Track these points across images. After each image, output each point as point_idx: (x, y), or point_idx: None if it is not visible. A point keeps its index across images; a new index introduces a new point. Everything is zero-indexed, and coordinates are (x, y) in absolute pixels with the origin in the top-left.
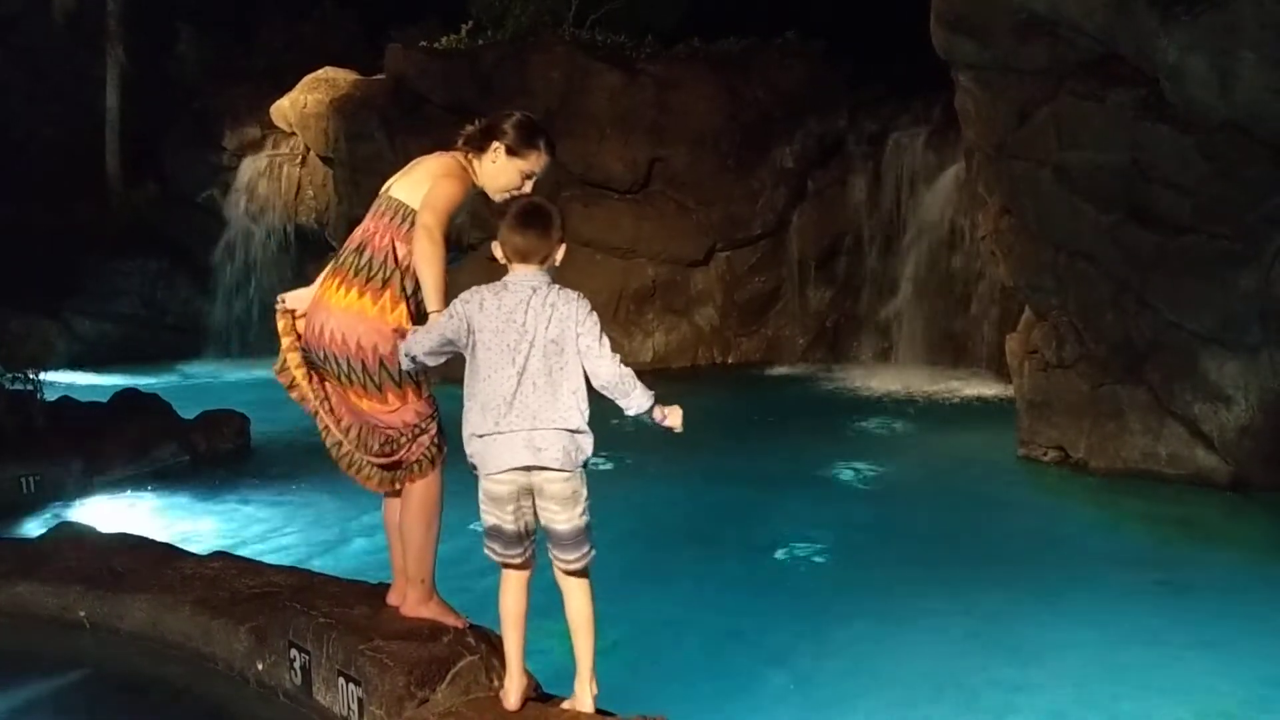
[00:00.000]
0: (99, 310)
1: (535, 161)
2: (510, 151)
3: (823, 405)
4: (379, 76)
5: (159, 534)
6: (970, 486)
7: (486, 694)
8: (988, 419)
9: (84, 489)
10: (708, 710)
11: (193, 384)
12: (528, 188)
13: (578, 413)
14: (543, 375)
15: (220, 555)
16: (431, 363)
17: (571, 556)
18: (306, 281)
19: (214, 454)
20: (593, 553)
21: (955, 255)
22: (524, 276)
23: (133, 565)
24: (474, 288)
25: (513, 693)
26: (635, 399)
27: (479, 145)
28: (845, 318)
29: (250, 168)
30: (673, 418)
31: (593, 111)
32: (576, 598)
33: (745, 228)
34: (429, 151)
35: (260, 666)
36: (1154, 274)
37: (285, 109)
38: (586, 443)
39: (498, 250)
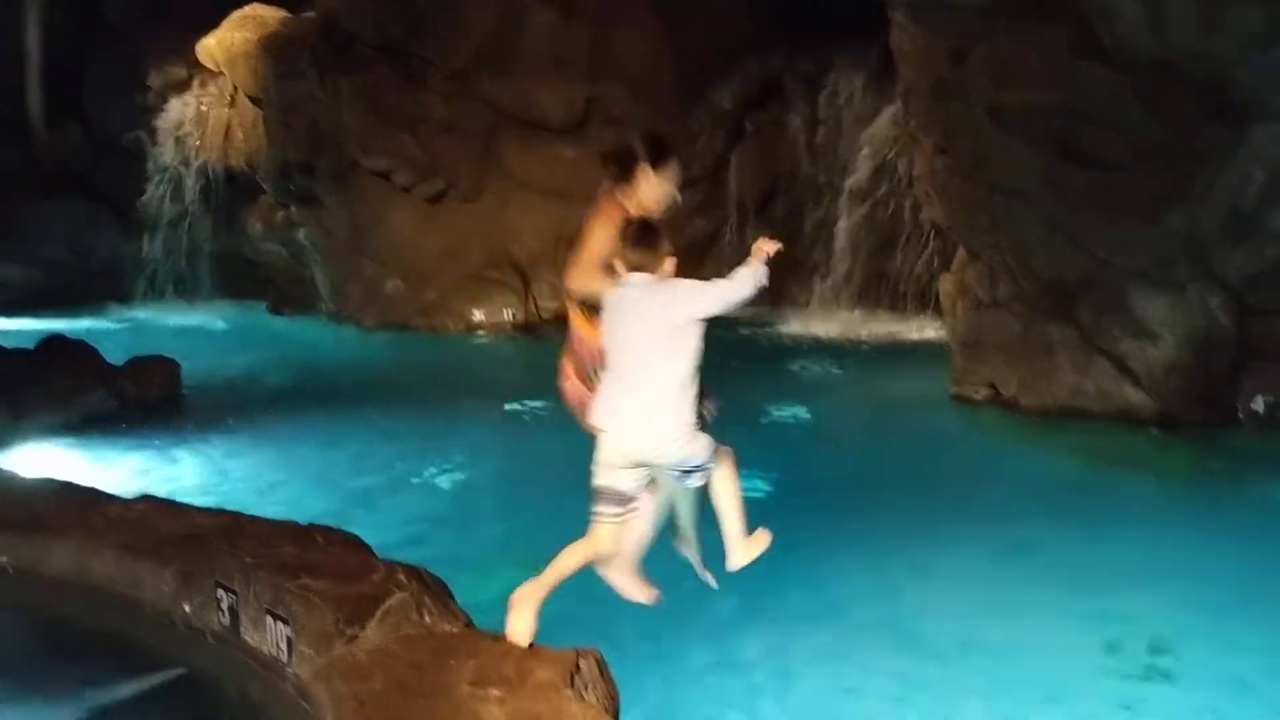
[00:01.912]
0: (24, 256)
1: (675, 168)
2: (655, 167)
3: (761, 349)
4: (309, 14)
5: (85, 481)
6: (905, 426)
7: (418, 631)
8: (922, 360)
9: (8, 437)
10: (643, 642)
11: (121, 330)
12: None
13: None
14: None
15: (146, 499)
16: None
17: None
18: (235, 226)
19: (143, 401)
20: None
21: (892, 197)
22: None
23: (57, 509)
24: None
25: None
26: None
27: (625, 177)
28: (784, 260)
29: (177, 109)
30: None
31: (528, 50)
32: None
33: (684, 169)
34: (361, 92)
35: (187, 608)
36: (1085, 212)
37: (212, 48)
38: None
39: (618, 264)
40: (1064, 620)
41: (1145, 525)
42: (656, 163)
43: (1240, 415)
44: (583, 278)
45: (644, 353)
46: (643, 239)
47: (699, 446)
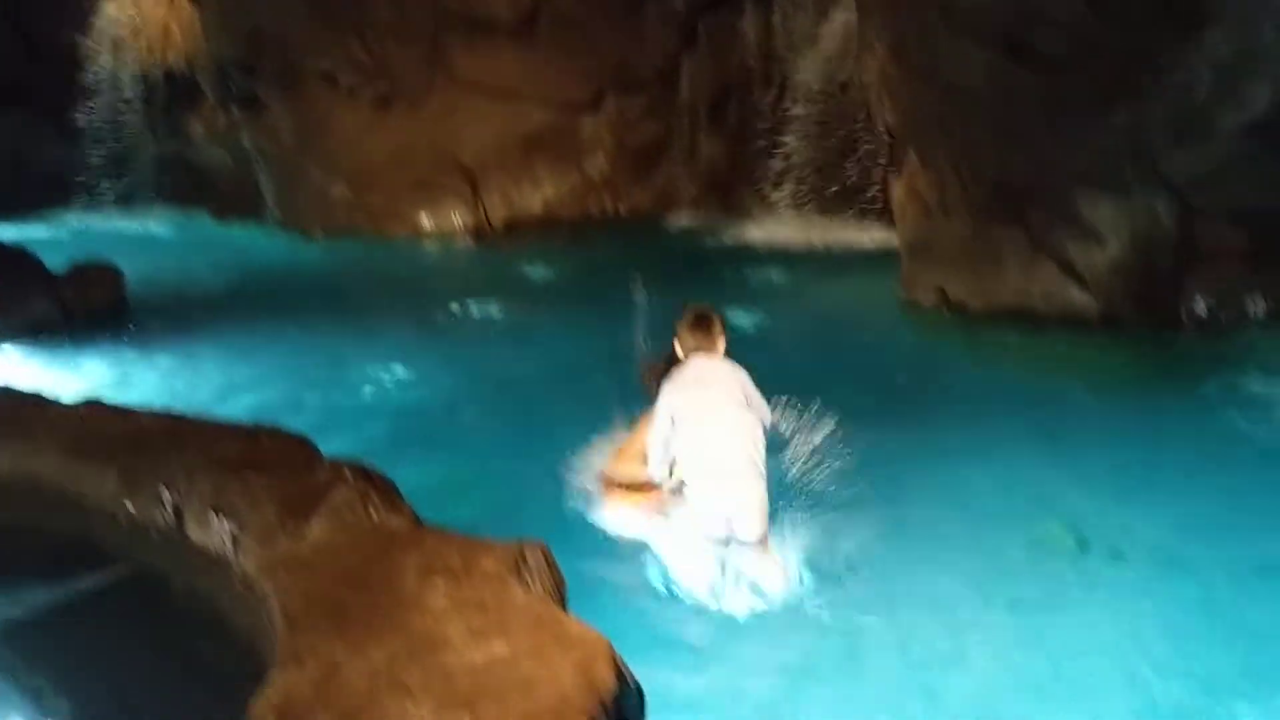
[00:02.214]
0: None
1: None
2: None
3: (713, 255)
4: None
5: (28, 387)
6: (853, 331)
7: (364, 526)
8: (873, 266)
9: None
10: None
11: (61, 238)
12: None
13: None
14: None
15: (89, 402)
16: None
17: None
18: (176, 131)
19: (86, 308)
20: None
21: (844, 101)
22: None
23: None
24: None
25: None
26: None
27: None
28: (737, 166)
29: (113, 10)
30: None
31: None
32: None
33: (635, 71)
34: None
35: (131, 507)
36: (1033, 114)
37: None
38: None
39: (679, 348)
40: (1006, 513)
41: (1087, 424)
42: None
43: (1182, 317)
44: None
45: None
46: (702, 324)
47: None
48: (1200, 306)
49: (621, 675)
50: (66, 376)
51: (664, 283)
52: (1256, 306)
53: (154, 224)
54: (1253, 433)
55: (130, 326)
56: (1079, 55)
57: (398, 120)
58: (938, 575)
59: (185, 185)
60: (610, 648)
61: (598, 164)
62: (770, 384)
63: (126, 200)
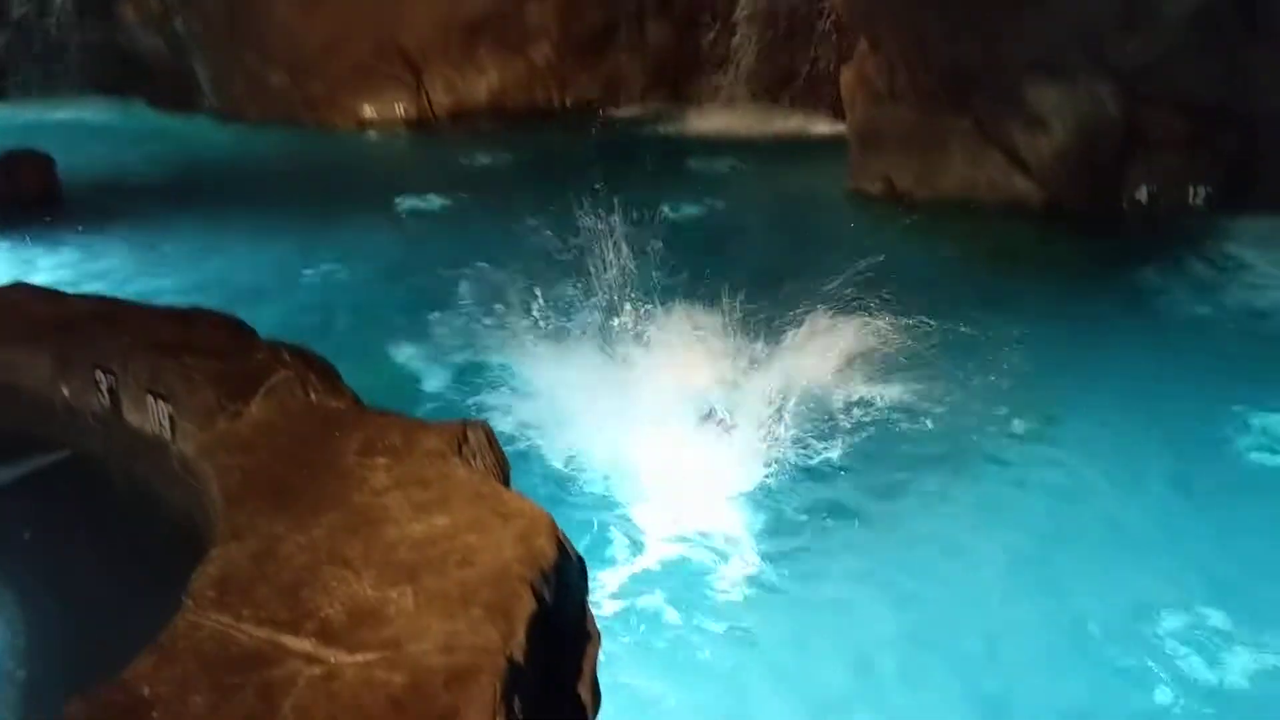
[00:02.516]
0: None
1: None
2: None
3: (661, 145)
4: None
5: None
6: (801, 221)
7: (303, 406)
8: (822, 156)
9: None
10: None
11: None
12: None
13: None
14: None
15: (19, 286)
16: None
17: None
18: (107, 16)
19: (17, 197)
20: None
21: None
22: None
23: None
24: None
25: None
26: None
27: None
28: (685, 54)
29: None
30: None
31: None
32: None
33: None
34: None
35: (66, 391)
36: (982, 1)
37: None
38: None
39: None
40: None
41: (1030, 309)
42: None
43: (1124, 204)
44: None
45: None
46: None
47: None
48: (1142, 194)
49: (563, 547)
50: None
51: (610, 173)
52: (1197, 194)
53: (87, 113)
54: (1188, 312)
55: (63, 215)
56: None
57: (337, 4)
58: (881, 443)
59: (118, 73)
60: (551, 520)
61: (543, 52)
62: (717, 274)
63: (58, 89)
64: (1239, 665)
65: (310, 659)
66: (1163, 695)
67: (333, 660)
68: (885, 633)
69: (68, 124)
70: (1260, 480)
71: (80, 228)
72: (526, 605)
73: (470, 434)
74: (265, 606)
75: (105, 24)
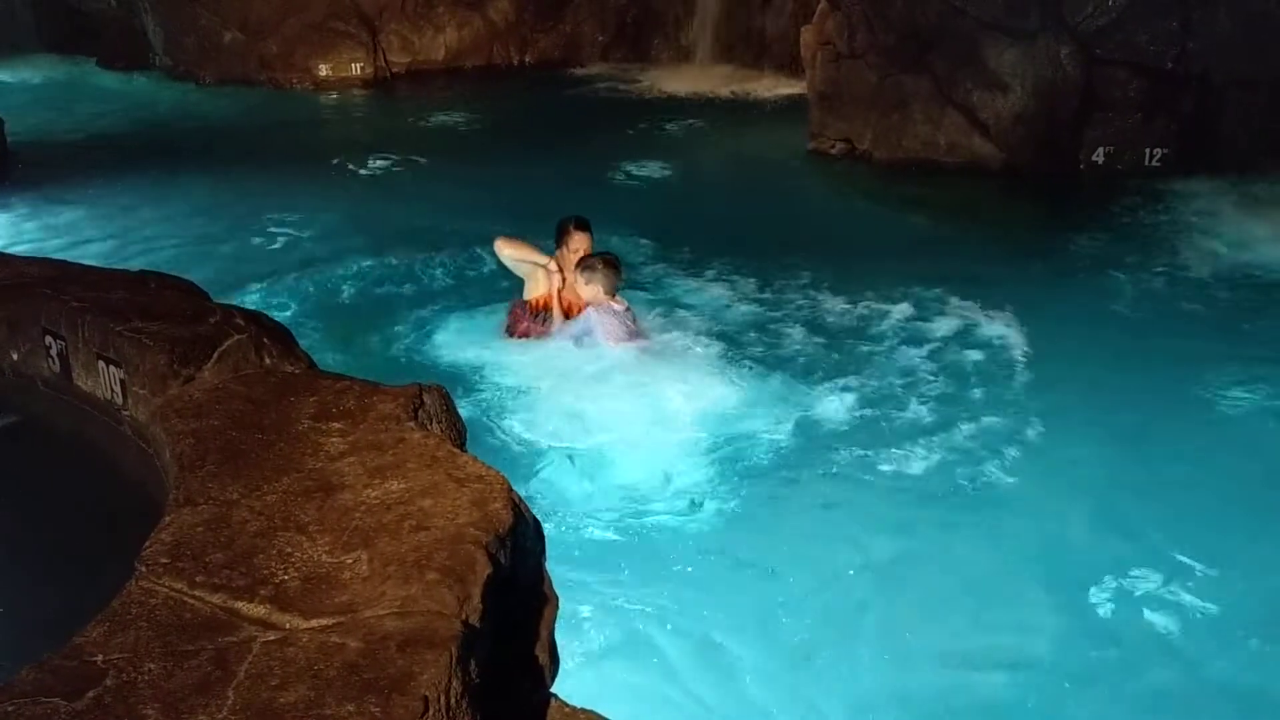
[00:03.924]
0: None
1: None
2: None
3: (621, 106)
4: None
5: None
6: (761, 182)
7: (257, 370)
8: (782, 117)
9: None
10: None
11: None
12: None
13: None
14: None
15: None
16: None
17: None
18: None
19: None
20: None
21: None
22: None
23: None
24: None
25: None
26: None
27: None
28: (646, 13)
29: None
30: None
31: None
32: None
33: None
34: None
35: (15, 356)
36: None
37: None
38: None
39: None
40: (906, 346)
41: (988, 271)
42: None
43: (1081, 165)
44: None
45: None
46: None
47: None
48: (1099, 155)
49: (519, 511)
50: None
51: (569, 133)
52: (1153, 156)
53: (36, 73)
54: (1140, 270)
55: (12, 177)
56: None
57: None
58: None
59: (68, 32)
60: (507, 485)
61: (502, 9)
62: (678, 236)
63: (6, 48)
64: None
65: (265, 625)
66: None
67: (288, 626)
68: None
69: (15, 85)
70: (1215, 430)
71: (27, 188)
72: (482, 569)
73: (426, 397)
74: (219, 573)
75: None
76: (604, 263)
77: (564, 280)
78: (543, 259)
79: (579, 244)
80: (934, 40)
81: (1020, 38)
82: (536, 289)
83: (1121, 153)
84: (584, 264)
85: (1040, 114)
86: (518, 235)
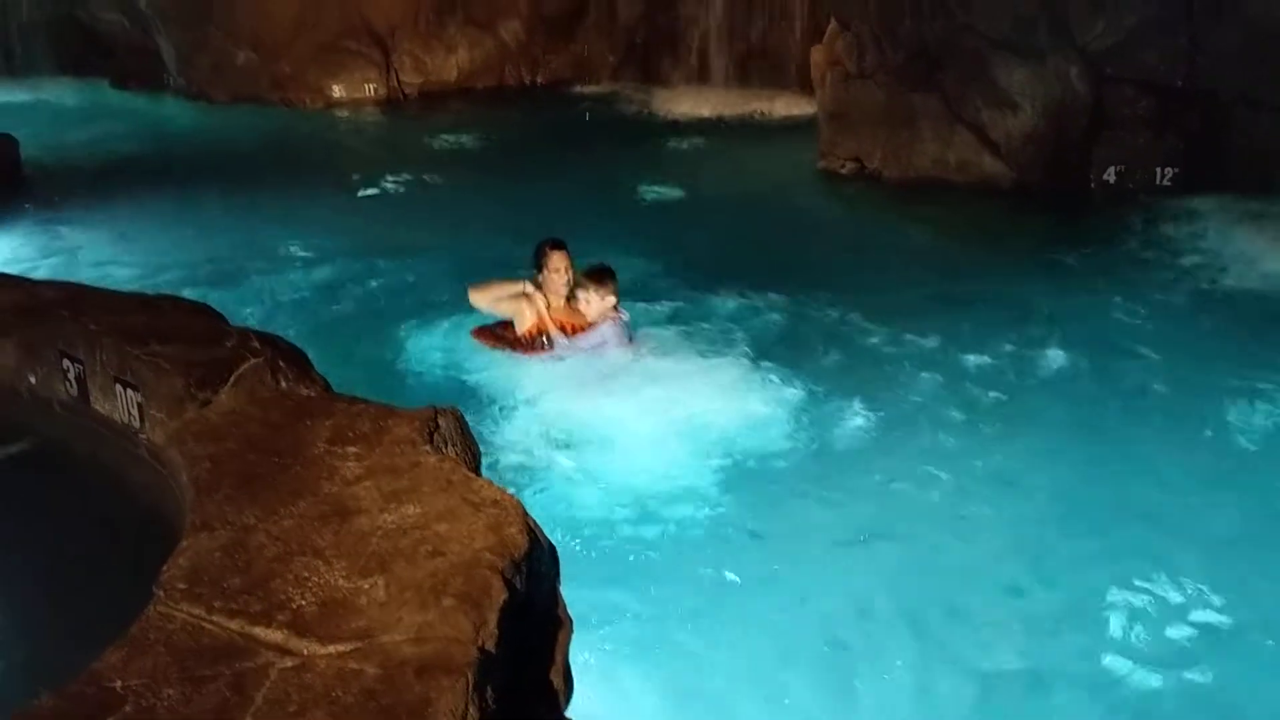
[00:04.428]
0: None
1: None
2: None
3: (632, 126)
4: None
5: None
6: (772, 201)
7: (273, 394)
8: (792, 136)
9: None
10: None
11: None
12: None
13: None
14: None
15: None
16: None
17: None
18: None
19: None
20: None
21: None
22: None
23: None
24: None
25: None
26: None
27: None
28: (656, 34)
29: None
30: None
31: None
32: None
33: None
34: None
35: (32, 379)
36: None
37: None
38: None
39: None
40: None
41: (1000, 290)
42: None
43: (1092, 184)
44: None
45: None
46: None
47: None
48: (1110, 174)
49: (534, 535)
50: None
51: (580, 153)
52: (1164, 174)
53: (50, 93)
54: (1155, 289)
55: (26, 197)
56: None
57: None
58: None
59: (82, 52)
60: (522, 509)
61: (514, 30)
62: (689, 256)
63: (18, 69)
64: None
65: (283, 650)
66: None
67: (305, 652)
68: None
69: (30, 104)
70: (1231, 451)
71: (42, 208)
72: (498, 595)
73: (441, 420)
74: (237, 598)
75: (67, 2)
76: (605, 273)
77: (548, 302)
78: (518, 285)
79: (558, 263)
80: (943, 59)
81: (1029, 57)
82: (525, 320)
83: (1132, 171)
84: (589, 277)
85: (1050, 133)
86: (482, 279)
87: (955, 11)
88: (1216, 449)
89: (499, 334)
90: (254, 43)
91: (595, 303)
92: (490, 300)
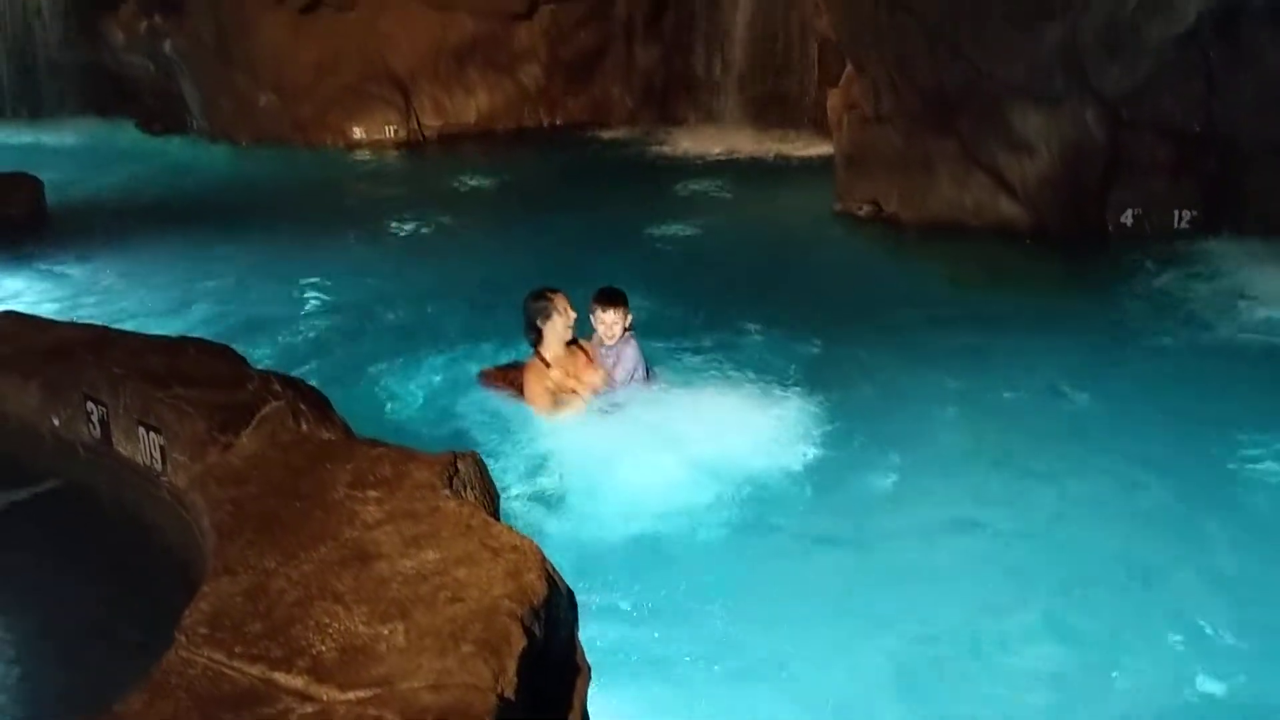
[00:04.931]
0: None
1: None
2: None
3: (649, 168)
4: None
5: None
6: (787, 242)
7: (294, 438)
8: (808, 178)
9: None
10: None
11: None
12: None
13: None
14: None
15: (8, 313)
16: None
17: None
18: (95, 37)
19: (4, 220)
20: None
21: (782, 10)
22: None
23: None
24: None
25: None
26: None
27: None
28: (674, 77)
29: None
30: None
31: None
32: None
33: None
34: None
35: (56, 421)
36: (968, 23)
37: None
38: None
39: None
40: (934, 404)
41: (1016, 332)
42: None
43: (1109, 228)
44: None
45: None
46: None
47: None
48: (1128, 217)
49: (553, 581)
50: None
51: (599, 194)
52: (1182, 217)
53: (75, 135)
54: (1176, 333)
55: (50, 238)
56: None
57: (325, 25)
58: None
59: (106, 95)
60: (541, 555)
61: (532, 74)
62: (703, 295)
63: (44, 110)
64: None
65: (303, 697)
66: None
67: (325, 698)
68: None
69: (55, 146)
70: (1249, 503)
71: (66, 249)
72: (517, 642)
73: (460, 464)
74: (257, 643)
75: (93, 45)
76: (615, 294)
77: (554, 362)
78: (542, 378)
79: (562, 304)
80: (959, 104)
81: (1046, 101)
82: (544, 400)
83: (1149, 215)
84: (598, 300)
85: (1067, 176)
86: (490, 365)
87: (972, 58)
88: (1239, 493)
89: (510, 378)
90: (276, 86)
91: (605, 324)
92: (548, 405)
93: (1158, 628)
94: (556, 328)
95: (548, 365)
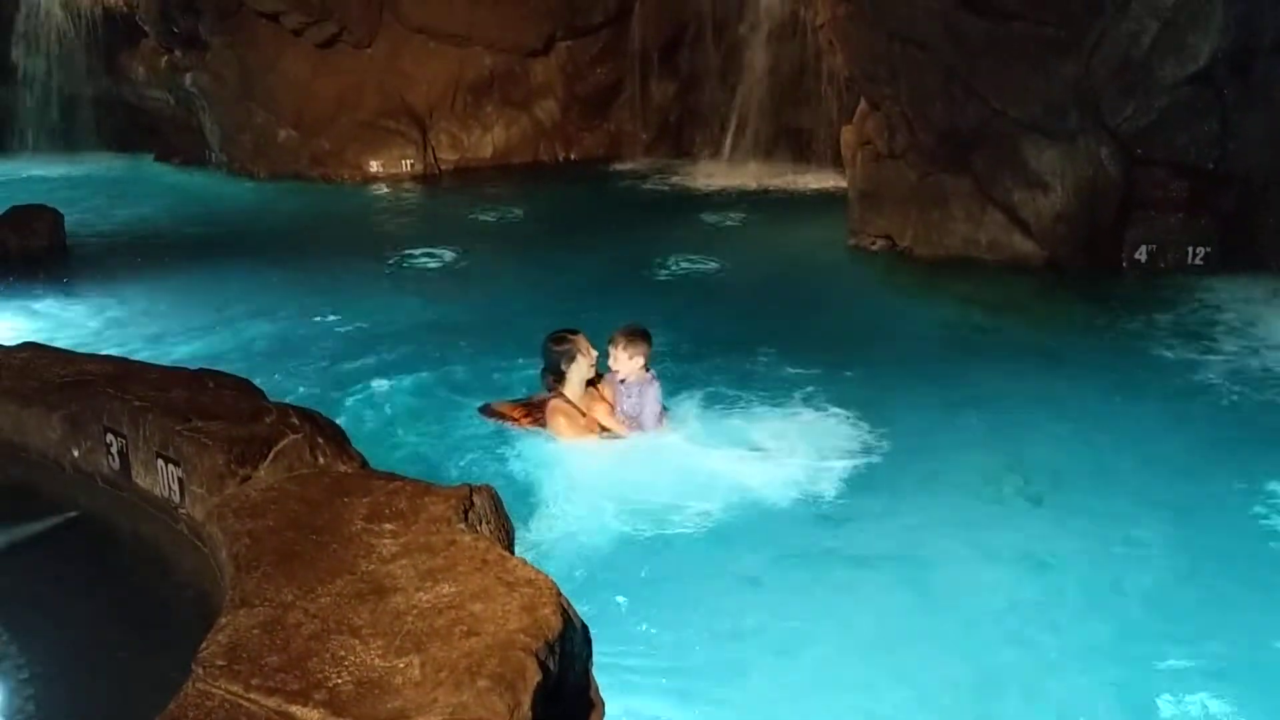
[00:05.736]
0: None
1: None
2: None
3: (664, 202)
4: None
5: None
6: (802, 276)
7: (312, 471)
8: (822, 212)
9: None
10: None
11: None
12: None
13: None
14: None
15: (29, 345)
16: None
17: None
18: (116, 72)
19: (26, 251)
20: None
21: (795, 46)
22: None
23: None
24: None
25: None
26: None
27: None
28: (688, 112)
29: None
30: None
31: None
32: None
33: (586, 15)
34: None
35: (76, 453)
36: (982, 61)
37: None
38: None
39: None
40: (950, 440)
41: (1031, 368)
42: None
43: (1124, 263)
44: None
45: None
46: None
47: None
48: (1142, 253)
49: (567, 616)
50: (5, 318)
51: (614, 228)
52: (1196, 254)
53: (95, 168)
54: (1189, 370)
55: (70, 270)
56: (1029, 5)
57: (344, 62)
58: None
59: (127, 128)
60: (556, 589)
61: (548, 109)
62: (717, 329)
63: (66, 144)
64: None
65: None
66: None
67: None
68: None
69: (76, 178)
70: (1265, 546)
71: (86, 281)
72: (532, 677)
73: (476, 498)
74: (274, 676)
75: (114, 80)
76: (637, 333)
77: (574, 401)
78: (572, 414)
79: (584, 345)
80: (973, 140)
81: (1060, 138)
82: (570, 432)
83: (1164, 251)
84: (620, 336)
85: (1081, 213)
86: (494, 400)
87: (986, 97)
88: (1252, 529)
89: (519, 413)
90: (295, 121)
91: (624, 362)
92: (574, 433)
93: (1186, 677)
94: (581, 369)
95: (570, 403)
